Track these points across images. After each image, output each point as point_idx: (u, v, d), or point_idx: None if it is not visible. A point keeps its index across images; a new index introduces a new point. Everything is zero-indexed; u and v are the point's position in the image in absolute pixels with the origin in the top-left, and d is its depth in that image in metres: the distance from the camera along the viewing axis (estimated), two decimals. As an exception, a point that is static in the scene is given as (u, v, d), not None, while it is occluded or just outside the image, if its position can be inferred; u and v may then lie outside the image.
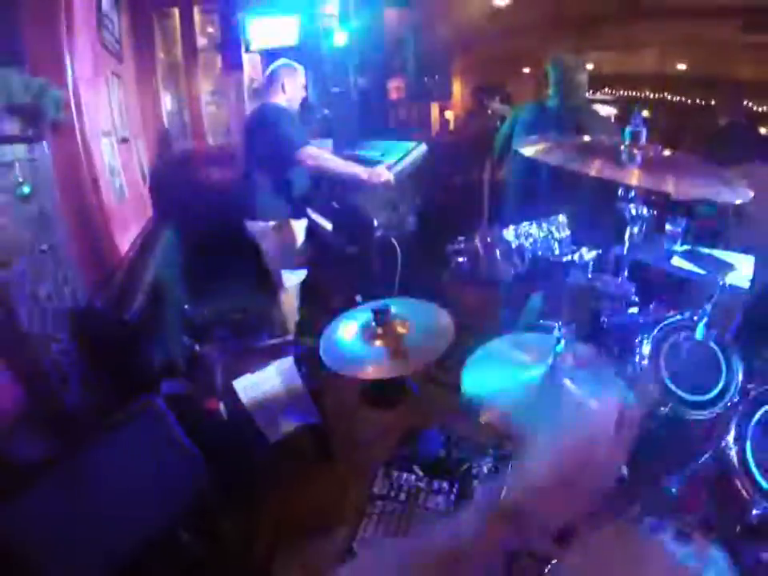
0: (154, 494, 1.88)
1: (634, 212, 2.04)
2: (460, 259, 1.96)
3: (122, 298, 2.52)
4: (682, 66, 7.88)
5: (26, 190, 2.02)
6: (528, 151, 1.88)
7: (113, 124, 3.17)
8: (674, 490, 1.79)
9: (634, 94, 6.41)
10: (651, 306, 2.22)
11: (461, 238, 2.01)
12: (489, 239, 1.96)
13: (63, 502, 1.64)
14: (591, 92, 4.69)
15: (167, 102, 4.74)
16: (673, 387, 1.91)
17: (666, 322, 2.02)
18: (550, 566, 1.42)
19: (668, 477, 1.82)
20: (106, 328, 2.36)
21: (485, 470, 2.10)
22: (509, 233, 1.98)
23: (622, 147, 1.88)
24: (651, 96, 7.25)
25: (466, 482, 2.13)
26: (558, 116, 3.19)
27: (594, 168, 1.74)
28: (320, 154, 3.16)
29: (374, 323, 1.90)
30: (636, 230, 2.09)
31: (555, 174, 2.82)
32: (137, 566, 1.78)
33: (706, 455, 1.78)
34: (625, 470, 1.95)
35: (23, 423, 1.87)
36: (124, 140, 3.39)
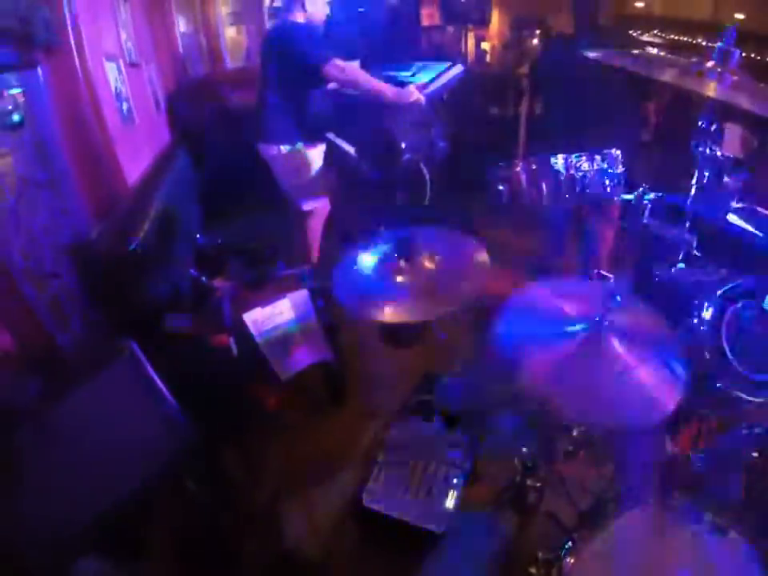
0: (133, 445, 1.68)
1: (708, 151, 1.73)
2: (500, 187, 1.67)
3: (126, 227, 2.33)
4: (739, 16, 7.18)
5: (16, 118, 1.90)
6: (594, 54, 1.57)
7: (120, 47, 2.99)
8: (699, 465, 1.61)
9: (684, 39, 5.88)
10: (703, 264, 1.96)
11: (501, 164, 1.72)
12: (534, 166, 1.67)
13: (37, 457, 1.50)
14: (639, 32, 4.37)
15: (182, 24, 4.46)
16: (733, 361, 1.65)
17: (731, 286, 1.75)
18: (572, 544, 1.31)
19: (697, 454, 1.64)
20: (107, 260, 2.17)
21: (508, 427, 1.89)
22: (558, 162, 1.68)
23: (708, 64, 1.57)
24: (703, 44, 6.69)
25: (486, 436, 1.97)
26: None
27: (669, 75, 1.45)
28: (347, 66, 2.88)
29: (396, 255, 1.62)
30: (707, 174, 1.78)
31: (613, 101, 2.50)
32: (142, 513, 1.72)
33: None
34: (669, 444, 1.76)
35: (8, 365, 1.72)
36: (133, 64, 3.19)
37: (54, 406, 1.55)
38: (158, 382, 1.68)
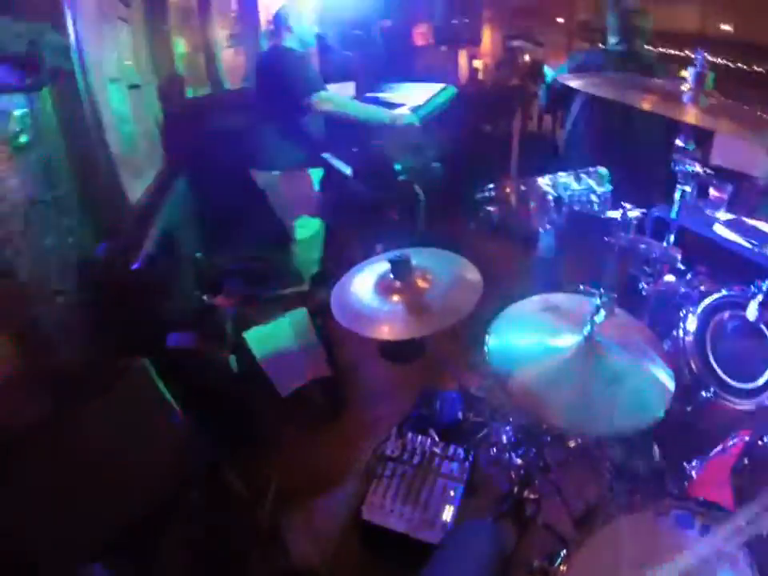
0: (145, 459, 1.76)
1: (689, 168, 1.79)
2: (490, 208, 1.74)
3: (129, 247, 2.38)
4: (726, 27, 7.27)
5: (23, 139, 1.91)
6: (573, 83, 1.64)
7: (121, 70, 3.03)
8: (693, 474, 1.64)
9: (671, 52, 5.98)
10: (689, 276, 2.02)
11: (490, 186, 1.79)
12: (522, 188, 1.74)
13: (48, 472, 1.55)
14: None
15: (180, 46, 4.52)
16: (718, 370, 1.71)
17: (715, 296, 1.81)
18: (566, 549, 1.32)
19: (690, 461, 1.68)
20: (111, 279, 2.22)
21: (504, 439, 1.93)
22: (545, 182, 1.75)
23: (684, 88, 1.64)
24: (691, 56, 6.78)
25: (483, 449, 2.02)
26: (620, 62, 2.86)
27: (649, 101, 1.52)
28: (334, 98, 2.93)
29: (391, 275, 1.67)
30: (688, 189, 1.84)
31: (599, 123, 2.57)
32: (144, 526, 1.72)
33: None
34: (657, 452, 1.81)
35: (17, 385, 1.74)
36: (134, 86, 3.23)
37: (66, 422, 1.61)
38: (169, 397, 1.73)
